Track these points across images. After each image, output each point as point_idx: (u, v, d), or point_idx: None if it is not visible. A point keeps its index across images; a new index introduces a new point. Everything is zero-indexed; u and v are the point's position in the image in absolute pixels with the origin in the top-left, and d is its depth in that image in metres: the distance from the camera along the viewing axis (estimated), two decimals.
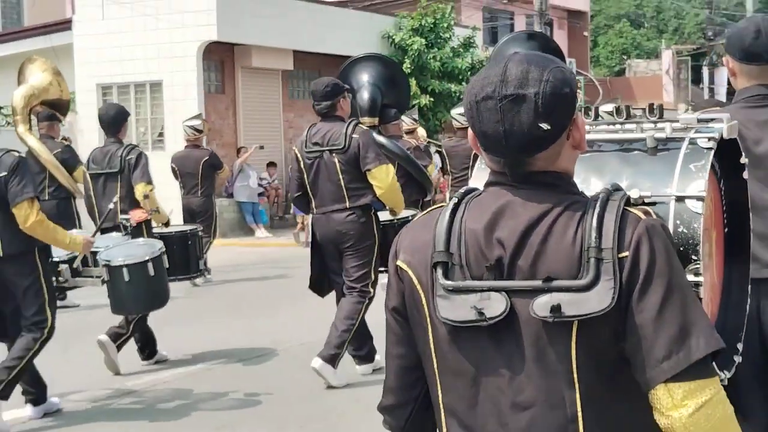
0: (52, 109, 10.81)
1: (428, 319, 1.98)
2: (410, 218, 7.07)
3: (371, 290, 7.02)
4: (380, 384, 2.22)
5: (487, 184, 2.01)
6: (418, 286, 1.99)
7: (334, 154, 6.90)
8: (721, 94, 40.29)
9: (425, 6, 23.84)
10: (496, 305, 1.88)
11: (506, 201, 1.94)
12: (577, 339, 1.86)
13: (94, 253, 6.63)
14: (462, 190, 2.05)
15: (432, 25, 23.38)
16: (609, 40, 53.09)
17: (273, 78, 21.04)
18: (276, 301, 11.17)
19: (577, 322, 1.84)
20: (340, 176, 6.91)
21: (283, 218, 20.09)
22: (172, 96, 18.82)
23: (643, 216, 1.90)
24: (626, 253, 1.85)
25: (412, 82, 22.58)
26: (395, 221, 7.35)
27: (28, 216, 5.81)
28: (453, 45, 23.95)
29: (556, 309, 1.84)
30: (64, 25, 20.21)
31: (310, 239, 7.84)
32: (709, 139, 2.40)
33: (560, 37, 38.07)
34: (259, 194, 19.39)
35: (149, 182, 7.78)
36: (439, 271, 1.94)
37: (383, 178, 6.86)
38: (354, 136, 6.88)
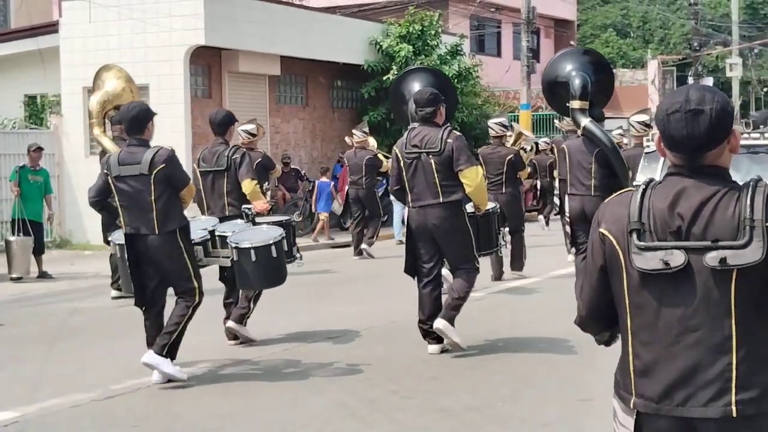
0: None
1: (623, 269, 2.84)
2: (490, 211, 8.67)
3: (476, 267, 8.24)
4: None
5: (668, 174, 2.85)
6: (617, 246, 2.85)
7: (430, 156, 7.88)
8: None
9: (413, 13, 23.89)
10: (678, 258, 2.74)
11: (683, 186, 2.80)
12: (736, 282, 2.70)
13: (222, 238, 7.74)
14: (645, 179, 2.92)
15: (419, 32, 23.42)
16: (596, 49, 53.34)
17: (260, 83, 21.03)
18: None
19: (736, 270, 2.69)
20: (435, 175, 7.90)
21: None
22: (159, 100, 18.75)
23: None
24: None
25: None
26: (478, 214, 8.37)
27: (193, 192, 7.57)
28: (440, 52, 23.99)
29: (723, 260, 2.68)
30: (51, 27, 20.12)
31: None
32: None
33: (547, 46, 38.20)
34: None
35: (253, 178, 8.71)
36: (634, 236, 2.79)
37: (473, 177, 7.91)
38: (449, 140, 7.89)
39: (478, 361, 8.01)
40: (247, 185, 8.56)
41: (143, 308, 7.46)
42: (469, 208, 8.25)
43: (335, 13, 24.22)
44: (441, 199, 7.94)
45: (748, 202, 2.71)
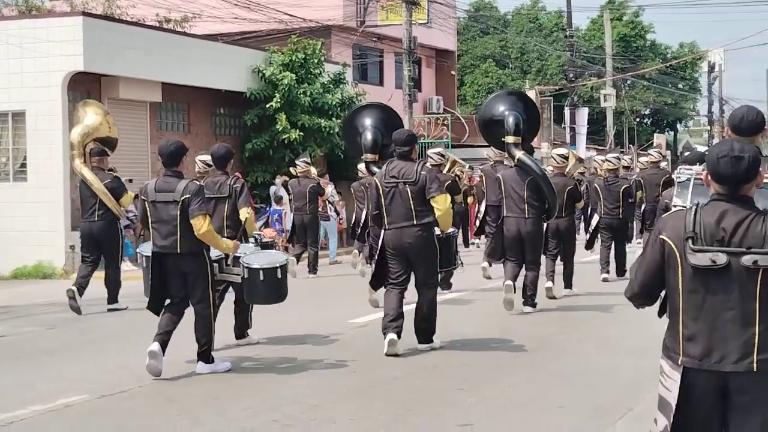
0: (103, 145, 13.25)
1: (680, 265, 4.00)
2: (452, 233, 10.06)
3: (437, 282, 9.77)
4: None
5: (712, 200, 4.04)
6: (675, 248, 4.02)
7: (407, 185, 9.22)
8: (583, 134, 41.55)
9: (296, 41, 23.97)
10: (722, 259, 3.91)
11: (725, 208, 3.99)
12: (762, 277, 3.91)
13: (234, 258, 8.95)
14: (693, 203, 4.14)
15: (302, 61, 23.51)
16: (475, 79, 54.26)
17: (140, 110, 20.77)
18: (137, 335, 11.02)
19: (762, 269, 3.89)
20: (411, 201, 9.21)
21: None
22: (36, 126, 18.41)
23: None
24: None
25: (282, 117, 22.66)
26: (442, 235, 9.64)
27: (202, 226, 8.23)
28: (323, 81, 24.12)
29: (755, 262, 3.89)
30: None
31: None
32: None
33: (428, 76, 38.70)
34: (125, 227, 19.06)
35: (251, 207, 9.98)
36: (689, 241, 3.96)
37: (443, 203, 9.20)
38: (422, 172, 9.26)
39: (361, 389, 8.07)
40: (244, 213, 9.65)
41: (156, 313, 8.58)
42: (436, 231, 9.49)
43: (218, 40, 24.12)
44: (415, 222, 9.23)
45: None
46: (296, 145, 22.81)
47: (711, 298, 3.98)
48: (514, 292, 11.72)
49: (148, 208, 8.48)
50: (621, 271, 15.59)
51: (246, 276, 8.77)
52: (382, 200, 9.36)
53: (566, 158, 14.33)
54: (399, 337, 9.25)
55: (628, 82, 54.63)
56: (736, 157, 3.98)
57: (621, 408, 7.23)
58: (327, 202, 19.40)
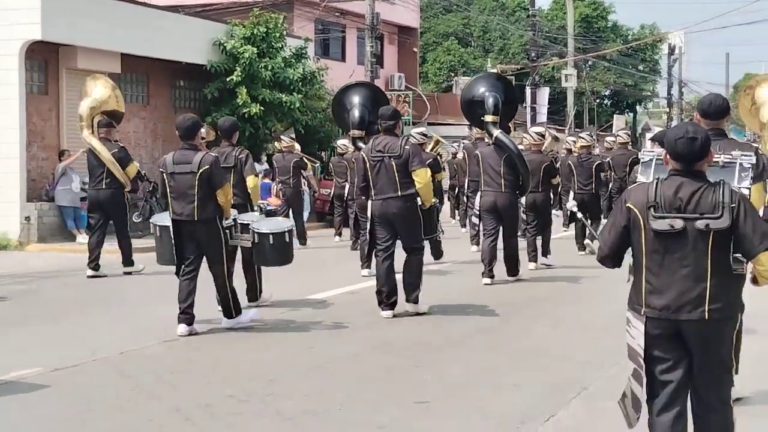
0: (110, 118, 13.95)
1: (643, 228, 4.66)
2: (433, 206, 10.63)
3: (423, 246, 10.40)
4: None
5: (670, 174, 4.70)
6: (639, 215, 4.67)
7: (392, 159, 9.92)
8: (543, 113, 41.70)
9: (257, 15, 23.75)
10: (679, 224, 4.58)
11: (681, 181, 4.65)
12: (712, 239, 4.57)
13: (243, 225, 9.65)
14: (655, 177, 5.03)
15: (264, 35, 23.31)
16: (437, 57, 54.17)
17: None
18: (91, 308, 10.95)
19: (713, 231, 4.55)
20: (396, 174, 9.91)
21: None
22: None
23: (739, 192, 4.75)
24: (734, 204, 4.56)
25: (243, 90, 22.48)
26: (423, 207, 10.25)
27: (227, 194, 9.14)
28: (285, 55, 23.94)
29: (707, 225, 4.55)
30: None
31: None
32: (750, 163, 5.57)
33: (390, 52, 38.60)
34: (82, 199, 18.88)
35: (256, 175, 10.61)
36: (652, 209, 4.62)
37: (423, 176, 9.96)
38: (406, 147, 9.98)
39: (319, 364, 8.06)
40: (251, 181, 10.36)
41: (181, 275, 9.22)
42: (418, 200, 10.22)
43: (179, 12, 23.83)
44: (400, 193, 9.95)
45: (721, 192, 4.61)
46: (257, 120, 22.66)
47: (669, 257, 4.66)
48: (492, 278, 12.53)
49: (166, 179, 9.12)
50: (589, 238, 16.35)
51: (256, 241, 9.59)
52: (369, 173, 10.08)
53: (543, 136, 15.02)
54: (393, 312, 10.04)
55: (589, 62, 54.79)
56: (691, 138, 4.65)
57: (576, 386, 7.28)
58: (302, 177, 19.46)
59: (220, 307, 9.56)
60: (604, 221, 16.45)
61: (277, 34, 23.72)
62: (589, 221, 15.66)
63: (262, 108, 22.64)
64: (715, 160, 5.23)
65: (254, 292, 10.67)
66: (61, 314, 10.64)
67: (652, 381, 4.75)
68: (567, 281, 13.11)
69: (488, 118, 12.70)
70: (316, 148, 25.69)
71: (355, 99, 12.78)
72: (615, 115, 57.86)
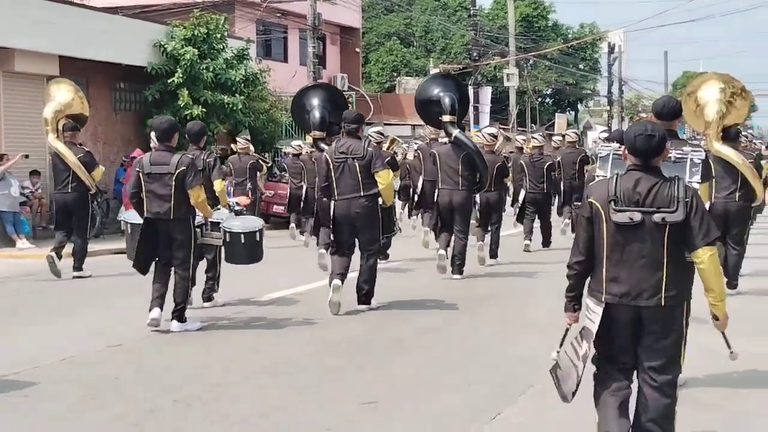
0: (74, 121, 14.03)
1: (604, 221, 5.00)
2: (392, 205, 11.38)
3: (378, 249, 10.80)
4: None
5: (629, 169, 5.05)
6: (600, 209, 5.01)
7: (355, 160, 10.30)
8: (486, 113, 41.89)
9: (198, 16, 23.56)
10: (637, 217, 4.93)
11: (639, 176, 5.00)
12: (668, 232, 4.93)
13: (214, 224, 9.91)
14: (614, 172, 5.29)
15: (205, 36, 23.13)
16: (380, 57, 54.22)
17: (37, 84, 20.09)
18: (31, 315, 10.77)
19: (669, 224, 4.91)
20: (359, 175, 10.29)
21: (47, 228, 19.31)
22: None
23: (692, 188, 5.09)
24: (687, 199, 4.92)
25: (184, 92, 22.29)
26: (383, 206, 10.70)
27: (199, 195, 9.36)
28: (226, 56, 23.79)
29: (663, 219, 4.91)
30: None
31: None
32: (699, 158, 5.94)
33: (333, 53, 38.55)
34: (22, 203, 18.60)
35: (223, 179, 10.97)
36: (612, 203, 4.96)
37: (385, 177, 10.37)
38: (369, 149, 10.44)
39: (264, 366, 8.01)
40: (218, 185, 10.57)
41: (144, 274, 9.59)
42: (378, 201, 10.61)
43: (118, 13, 23.58)
44: (362, 193, 10.32)
45: (677, 186, 5.00)
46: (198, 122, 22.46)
47: (629, 248, 5.03)
48: (447, 259, 12.77)
49: (143, 179, 9.42)
50: (546, 242, 16.88)
51: (228, 240, 9.89)
52: (332, 173, 10.39)
53: (495, 137, 15.14)
54: (342, 283, 10.28)
55: (531, 62, 55.20)
56: (649, 135, 5.02)
57: (522, 384, 7.31)
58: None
59: (204, 303, 10.27)
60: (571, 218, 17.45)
61: (218, 36, 23.56)
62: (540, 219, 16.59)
63: (204, 110, 22.45)
64: (669, 154, 5.56)
65: (210, 294, 10.89)
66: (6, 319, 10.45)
67: (606, 361, 5.21)
68: (511, 279, 13.18)
69: (446, 117, 12.94)
70: (260, 150, 25.55)
71: (315, 100, 13.03)
72: (557, 114, 58.39)
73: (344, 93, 35.08)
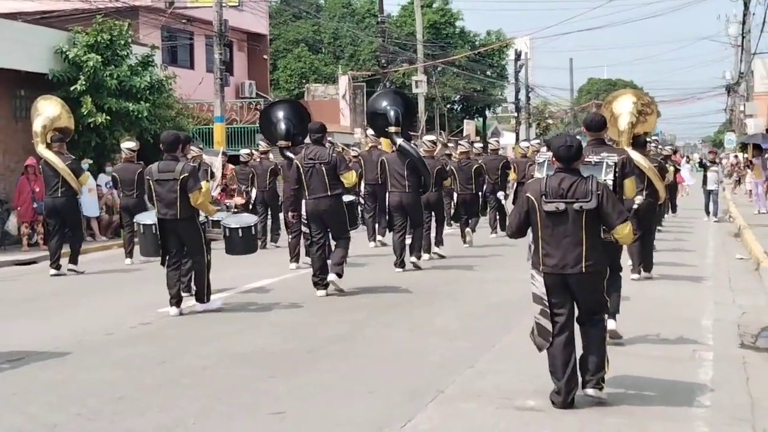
0: (61, 134, 15.54)
1: (538, 211, 6.72)
2: (354, 201, 13.47)
3: (349, 236, 12.49)
4: None
5: (555, 171, 6.80)
6: (534, 201, 6.72)
7: (322, 165, 11.94)
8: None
9: (101, 22, 23.13)
10: (562, 206, 6.67)
11: (563, 176, 6.74)
12: (585, 217, 6.67)
13: (214, 222, 11.69)
14: (546, 173, 6.98)
15: (108, 42, 22.72)
16: (288, 63, 54.00)
17: None
18: None
19: (585, 211, 6.66)
20: (326, 177, 11.92)
21: None
22: None
23: (602, 182, 6.91)
24: (599, 192, 6.69)
25: (87, 100, 21.86)
26: (349, 201, 12.77)
27: (198, 197, 10.67)
28: (131, 63, 23.41)
29: (581, 207, 6.66)
30: None
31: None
32: (612, 162, 7.58)
33: (240, 59, 38.28)
34: None
35: (207, 181, 11.87)
36: (543, 197, 6.69)
37: (350, 178, 12.18)
38: (333, 155, 12.08)
39: (170, 378, 7.85)
40: (204, 185, 11.17)
41: (166, 266, 10.90)
42: (347, 198, 12.61)
43: (17, 19, 23.01)
44: (329, 193, 11.97)
45: (590, 183, 6.68)
46: (103, 129, 22.07)
47: (556, 230, 6.72)
48: (403, 268, 14.46)
49: (152, 186, 10.81)
50: (466, 239, 18.27)
51: (227, 234, 11.95)
52: (303, 177, 11.95)
53: (435, 143, 16.92)
54: (326, 291, 11.95)
55: (439, 68, 55.53)
56: (568, 146, 6.80)
57: (431, 391, 7.28)
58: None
59: (193, 293, 11.14)
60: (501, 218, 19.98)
61: (122, 42, 23.17)
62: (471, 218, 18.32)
63: (108, 117, 22.04)
64: (587, 160, 7.33)
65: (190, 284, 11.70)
66: None
67: (551, 316, 6.78)
68: (421, 285, 13.18)
69: (392, 129, 14.56)
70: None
71: (280, 114, 14.64)
72: (465, 121, 58.90)
73: (252, 99, 34.98)
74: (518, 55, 59.01)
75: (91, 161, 19.36)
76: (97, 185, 21.40)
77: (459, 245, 17.92)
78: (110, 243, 20.16)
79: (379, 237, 18.30)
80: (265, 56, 40.16)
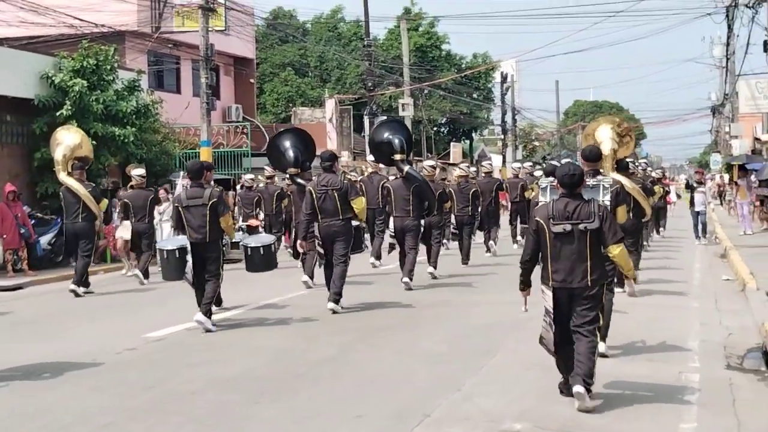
0: (81, 161, 16.31)
1: (547, 232, 7.52)
2: (361, 224, 13.78)
3: (348, 261, 13.03)
4: None
5: (560, 196, 7.61)
6: (543, 224, 7.53)
7: (334, 191, 12.82)
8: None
9: (87, 47, 23.15)
10: (568, 227, 7.46)
11: (568, 200, 7.55)
12: (589, 236, 7.47)
13: (234, 243, 12.99)
14: (551, 198, 7.88)
15: (94, 67, 22.74)
16: (275, 87, 54.10)
17: None
18: None
19: (589, 230, 7.46)
20: (338, 203, 12.80)
21: None
22: None
23: (603, 205, 7.83)
24: (600, 213, 7.52)
25: (73, 124, 21.84)
26: (357, 225, 13.33)
27: (228, 220, 11.67)
28: (117, 88, 23.41)
29: (585, 227, 7.46)
30: None
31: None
32: (608, 184, 8.65)
33: (227, 84, 38.32)
34: None
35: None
36: (551, 219, 7.49)
37: (360, 204, 13.04)
38: (345, 182, 13.24)
39: (156, 404, 7.81)
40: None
41: (196, 287, 11.65)
42: (355, 223, 13.17)
43: (2, 44, 23.01)
44: (341, 217, 12.87)
45: (593, 206, 7.49)
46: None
47: (563, 248, 7.49)
48: (411, 281, 15.15)
49: (182, 212, 11.56)
50: (465, 260, 19.02)
51: (249, 254, 13.16)
52: (316, 203, 12.80)
53: (435, 167, 17.86)
54: (336, 302, 12.62)
55: (425, 91, 55.69)
56: (572, 174, 7.60)
57: (418, 414, 7.27)
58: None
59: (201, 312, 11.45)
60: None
61: (108, 67, 23.18)
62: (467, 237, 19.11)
63: (94, 142, 21.91)
64: (586, 183, 8.05)
65: (218, 299, 12.54)
66: None
67: (558, 327, 7.49)
68: (409, 309, 13.16)
69: (397, 156, 15.68)
70: (153, 182, 25.16)
71: (287, 142, 15.64)
72: (452, 143, 59.01)
73: (239, 123, 35.02)
74: (504, 78, 59.18)
75: None
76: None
77: (451, 266, 17.97)
78: (96, 268, 20.09)
79: (372, 259, 18.59)
80: (252, 80, 40.22)
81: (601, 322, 7.80)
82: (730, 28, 42.00)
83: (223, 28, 31.34)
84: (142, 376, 8.91)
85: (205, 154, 28.40)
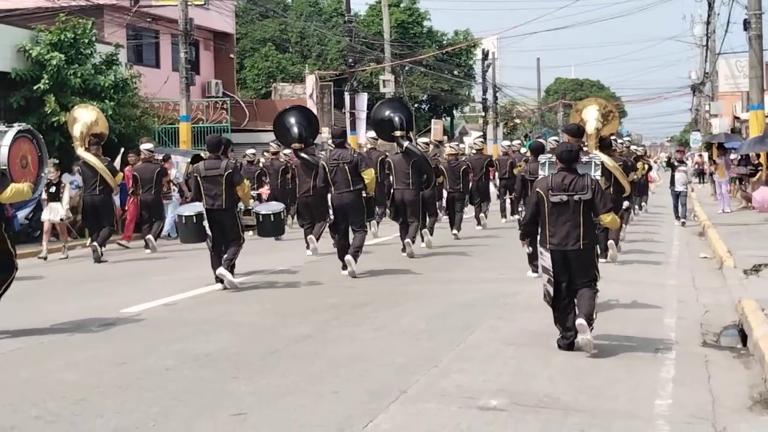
0: (97, 138, 17.58)
1: (546, 202, 8.64)
2: (373, 195, 14.49)
3: (366, 228, 14.46)
4: None
5: (558, 170, 8.75)
6: (543, 194, 8.67)
7: (345, 164, 13.91)
8: (362, 119, 41.96)
9: (65, 20, 22.94)
10: (564, 198, 8.59)
11: (565, 174, 8.68)
12: (582, 205, 8.58)
13: (247, 210, 13.77)
14: (549, 171, 9.14)
15: (72, 41, 22.56)
16: (255, 63, 53.81)
17: None
18: None
19: (582, 201, 8.58)
20: (348, 174, 13.86)
21: None
22: None
23: (595, 179, 8.95)
24: (593, 186, 8.67)
25: (51, 99, 21.67)
26: (368, 196, 14.20)
27: (244, 188, 12.84)
28: (95, 62, 23.23)
29: (579, 198, 8.58)
30: None
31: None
32: (599, 161, 9.93)
33: (206, 59, 38.07)
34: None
35: (248, 179, 14.16)
36: (550, 191, 8.63)
37: (370, 175, 14.01)
38: (355, 155, 14.33)
39: (131, 380, 7.76)
40: (246, 180, 13.37)
41: (211, 249, 12.78)
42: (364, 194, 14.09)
43: None
44: (352, 188, 13.90)
45: (587, 179, 8.65)
46: (67, 129, 21.86)
47: (560, 216, 8.51)
48: (412, 246, 16.42)
49: (200, 181, 12.73)
50: (457, 229, 20.03)
51: (260, 220, 14.04)
52: (328, 175, 13.87)
53: (428, 145, 19.06)
54: (355, 259, 13.71)
55: (406, 68, 55.52)
56: (569, 150, 8.67)
57: (394, 391, 7.25)
58: (171, 183, 21.53)
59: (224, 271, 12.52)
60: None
61: (86, 40, 23.02)
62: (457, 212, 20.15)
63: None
64: (581, 159, 9.00)
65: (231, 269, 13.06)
66: None
67: (555, 284, 8.52)
68: (390, 285, 13.16)
69: (397, 133, 16.62)
70: (125, 153, 25.01)
71: (292, 119, 16.70)
72: (433, 120, 58.91)
73: (219, 98, 34.83)
74: (485, 55, 59.09)
75: (56, 161, 19.16)
76: (62, 185, 21.20)
77: (441, 238, 18.38)
78: (75, 243, 19.98)
79: (373, 229, 19.67)
80: (232, 55, 39.98)
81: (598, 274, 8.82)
82: (710, 6, 42.07)
83: (203, 3, 31.13)
84: (117, 352, 8.86)
85: (184, 130, 28.27)
